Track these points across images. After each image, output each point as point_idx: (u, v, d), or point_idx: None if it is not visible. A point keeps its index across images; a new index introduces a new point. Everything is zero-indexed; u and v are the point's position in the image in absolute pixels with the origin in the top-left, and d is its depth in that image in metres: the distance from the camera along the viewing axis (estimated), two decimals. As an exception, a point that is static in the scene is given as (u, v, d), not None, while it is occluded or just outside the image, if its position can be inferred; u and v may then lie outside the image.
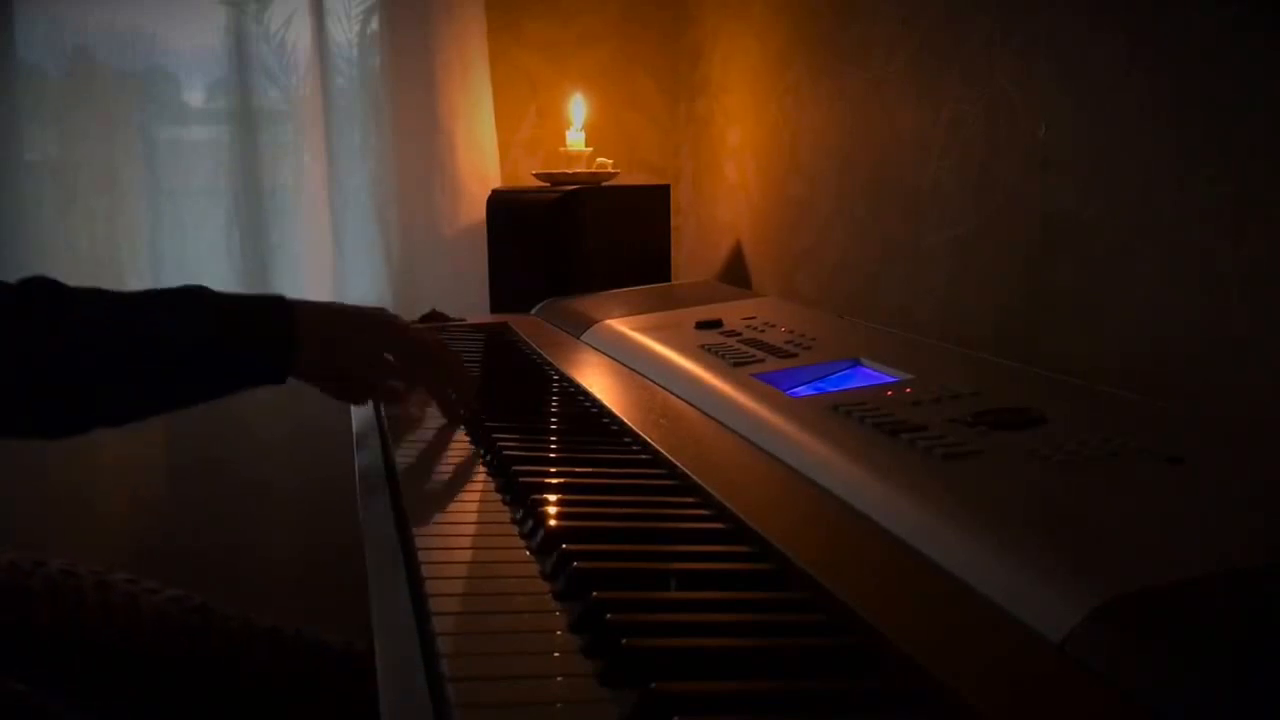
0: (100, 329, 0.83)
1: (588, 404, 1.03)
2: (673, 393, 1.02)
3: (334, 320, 0.92)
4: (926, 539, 0.60)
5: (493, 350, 1.37)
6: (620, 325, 1.30)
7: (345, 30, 1.97)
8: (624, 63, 2.12)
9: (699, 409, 0.95)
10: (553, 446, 0.89)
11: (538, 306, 1.59)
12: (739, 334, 1.16)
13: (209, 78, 1.96)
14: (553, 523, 0.68)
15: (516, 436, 0.89)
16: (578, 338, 1.35)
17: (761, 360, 1.02)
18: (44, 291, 0.84)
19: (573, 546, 0.61)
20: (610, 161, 1.86)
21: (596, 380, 1.11)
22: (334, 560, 1.68)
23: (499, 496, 0.77)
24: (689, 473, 0.77)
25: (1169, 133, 0.94)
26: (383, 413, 1.00)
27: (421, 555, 0.64)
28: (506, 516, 0.72)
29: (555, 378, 1.16)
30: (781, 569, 0.61)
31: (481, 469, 0.84)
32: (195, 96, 1.99)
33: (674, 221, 1.95)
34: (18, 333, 0.81)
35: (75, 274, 1.84)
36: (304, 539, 1.91)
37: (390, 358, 0.96)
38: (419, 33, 1.94)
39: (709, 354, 1.08)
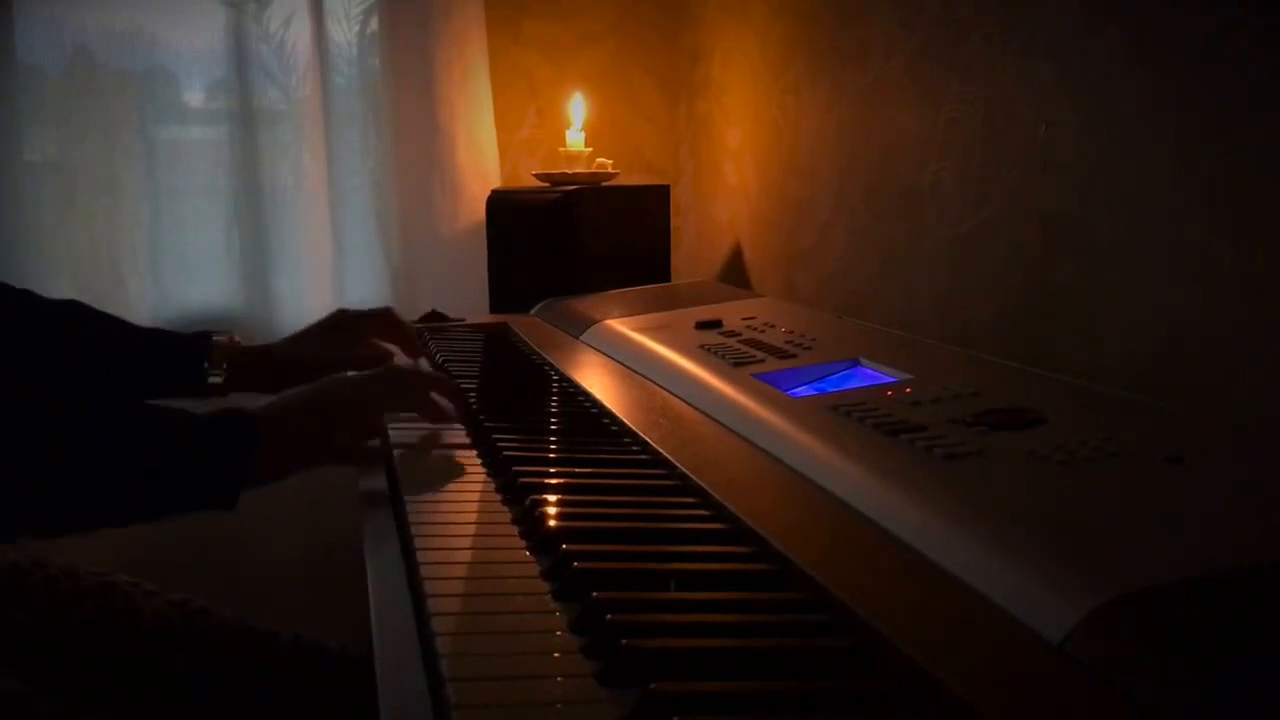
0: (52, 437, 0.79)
1: (587, 404, 1.03)
2: (673, 393, 1.02)
3: (293, 417, 0.90)
4: (926, 539, 0.60)
5: (493, 350, 1.37)
6: (620, 325, 1.30)
7: (345, 30, 1.97)
8: (624, 63, 2.12)
9: (699, 409, 0.95)
10: (553, 446, 0.89)
11: (537, 306, 1.59)
12: (739, 334, 1.16)
13: (209, 78, 1.95)
14: (552, 523, 0.68)
15: (516, 436, 0.89)
16: (577, 338, 1.35)
17: (761, 360, 1.02)
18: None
19: (573, 546, 0.61)
20: (610, 161, 1.85)
21: (596, 380, 1.11)
22: (334, 560, 1.68)
23: (499, 496, 0.77)
24: (689, 473, 0.77)
25: (1169, 133, 0.94)
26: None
27: (421, 555, 0.64)
28: (506, 516, 0.72)
29: (555, 378, 1.16)
30: (781, 569, 0.61)
31: (481, 469, 0.84)
32: (195, 96, 1.98)
33: (674, 221, 1.95)
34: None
35: (75, 274, 1.87)
36: (304, 539, 1.91)
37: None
38: (419, 33, 1.94)
39: (709, 354, 1.08)
